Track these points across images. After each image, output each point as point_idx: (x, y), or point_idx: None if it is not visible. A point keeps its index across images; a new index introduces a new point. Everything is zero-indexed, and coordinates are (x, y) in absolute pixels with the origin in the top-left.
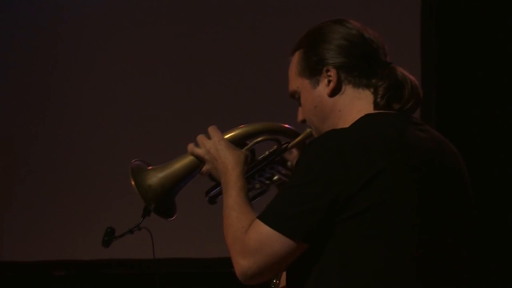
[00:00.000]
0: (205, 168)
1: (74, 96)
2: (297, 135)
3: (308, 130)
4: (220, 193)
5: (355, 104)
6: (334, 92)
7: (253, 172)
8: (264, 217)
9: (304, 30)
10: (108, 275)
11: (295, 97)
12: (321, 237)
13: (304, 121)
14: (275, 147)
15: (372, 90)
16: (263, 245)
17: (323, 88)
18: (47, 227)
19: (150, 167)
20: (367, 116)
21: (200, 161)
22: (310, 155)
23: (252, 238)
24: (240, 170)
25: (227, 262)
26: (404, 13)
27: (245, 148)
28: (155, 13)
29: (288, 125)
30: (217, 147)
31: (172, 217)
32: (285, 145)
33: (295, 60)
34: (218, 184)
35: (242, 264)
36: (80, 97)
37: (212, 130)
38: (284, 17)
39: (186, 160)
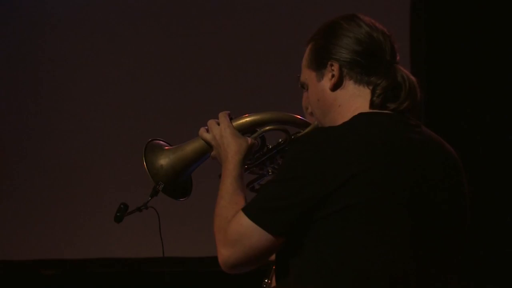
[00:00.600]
0: (212, 153)
1: (65, 94)
2: (307, 125)
3: (316, 122)
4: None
5: (354, 101)
6: (335, 87)
7: (265, 159)
8: (246, 209)
9: (294, 28)
10: (97, 273)
11: (304, 87)
12: (299, 233)
13: (307, 109)
14: (285, 137)
15: (371, 88)
16: (241, 237)
17: (326, 82)
18: (35, 226)
19: (166, 147)
20: (360, 115)
21: (209, 145)
22: (293, 152)
23: (233, 228)
24: (239, 158)
25: None
26: (393, 13)
27: (252, 136)
28: (148, 12)
29: (300, 116)
30: (222, 134)
31: (182, 197)
32: (294, 135)
33: (306, 52)
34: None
35: (223, 253)
36: (71, 95)
37: (221, 116)
38: (276, 16)
39: (197, 143)
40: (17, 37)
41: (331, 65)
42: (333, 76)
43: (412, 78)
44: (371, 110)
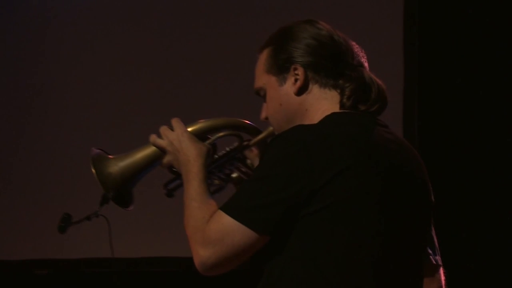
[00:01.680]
0: (166, 159)
1: (56, 95)
2: (259, 132)
3: (270, 128)
4: (179, 186)
5: (321, 104)
6: (300, 91)
7: (213, 167)
8: (226, 208)
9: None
10: (90, 273)
11: (260, 94)
12: (284, 230)
13: (267, 118)
14: (236, 143)
15: (338, 91)
16: (224, 236)
17: (289, 86)
18: (28, 225)
19: (111, 156)
20: (333, 114)
21: (161, 152)
22: (275, 149)
23: (213, 228)
24: (201, 162)
25: None
26: (387, 15)
27: (208, 142)
28: (148, 12)
29: (250, 122)
30: (180, 139)
31: (129, 207)
32: (247, 142)
33: (264, 57)
34: (177, 177)
35: (202, 254)
36: (63, 97)
37: (175, 122)
38: (269, 17)
39: (148, 150)
40: (13, 34)
41: (295, 69)
42: (297, 80)
43: (380, 81)
44: (343, 110)
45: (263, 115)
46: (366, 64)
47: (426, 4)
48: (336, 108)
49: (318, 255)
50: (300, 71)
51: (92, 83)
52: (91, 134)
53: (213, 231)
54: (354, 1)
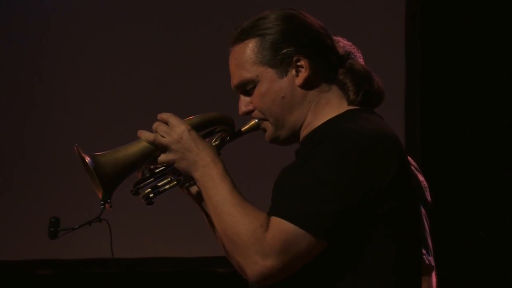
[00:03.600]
0: (165, 157)
1: (59, 97)
2: (230, 123)
3: (253, 121)
4: (154, 188)
5: (324, 97)
6: (305, 83)
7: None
8: (288, 215)
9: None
10: (92, 274)
11: (246, 87)
12: (345, 235)
13: (249, 112)
14: (217, 140)
15: (340, 83)
16: (290, 245)
17: (291, 78)
18: (31, 225)
19: (97, 153)
20: (354, 111)
21: (155, 149)
22: (330, 151)
23: (276, 237)
24: (221, 162)
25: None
26: (389, 14)
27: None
28: (148, 11)
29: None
30: (189, 137)
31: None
32: (228, 136)
33: (252, 48)
34: (149, 177)
35: (264, 264)
36: (64, 97)
37: (173, 117)
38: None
39: (141, 147)
40: (12, 34)
41: (297, 61)
42: (298, 72)
43: (369, 68)
44: (353, 107)
45: (247, 108)
46: (358, 55)
47: (428, 3)
48: (342, 102)
49: (375, 260)
50: (304, 63)
51: (92, 84)
52: (92, 134)
53: (277, 240)
54: (356, 0)
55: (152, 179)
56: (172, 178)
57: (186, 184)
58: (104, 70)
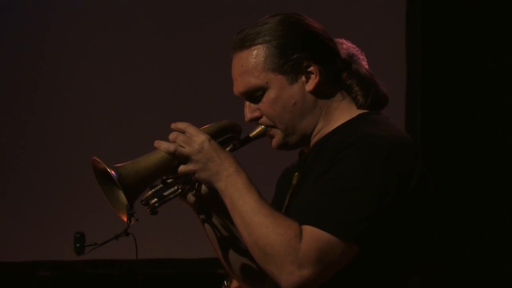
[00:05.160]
0: (186, 168)
1: (60, 97)
2: (239, 130)
3: (260, 127)
4: (160, 198)
5: (334, 101)
6: (315, 89)
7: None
8: (321, 223)
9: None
10: (93, 275)
11: (255, 94)
12: (375, 240)
13: (256, 119)
14: (230, 147)
15: (347, 88)
16: (326, 254)
17: (301, 84)
18: (32, 227)
19: (118, 165)
20: (367, 115)
21: (174, 159)
22: (359, 157)
23: (312, 246)
24: (245, 172)
25: (208, 262)
26: (389, 14)
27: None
28: (143, 13)
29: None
30: (210, 147)
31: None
32: (237, 144)
33: (259, 55)
34: (161, 188)
35: (300, 274)
36: (66, 98)
37: (190, 127)
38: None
39: (160, 158)
40: (13, 35)
41: (308, 67)
42: (309, 78)
43: (370, 71)
44: (362, 111)
45: (252, 115)
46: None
47: (428, 3)
48: (351, 106)
49: (403, 262)
50: (314, 69)
51: (93, 86)
52: (93, 136)
53: (312, 249)
54: (357, 1)
55: (164, 188)
56: (180, 187)
57: (189, 193)
58: (104, 70)
